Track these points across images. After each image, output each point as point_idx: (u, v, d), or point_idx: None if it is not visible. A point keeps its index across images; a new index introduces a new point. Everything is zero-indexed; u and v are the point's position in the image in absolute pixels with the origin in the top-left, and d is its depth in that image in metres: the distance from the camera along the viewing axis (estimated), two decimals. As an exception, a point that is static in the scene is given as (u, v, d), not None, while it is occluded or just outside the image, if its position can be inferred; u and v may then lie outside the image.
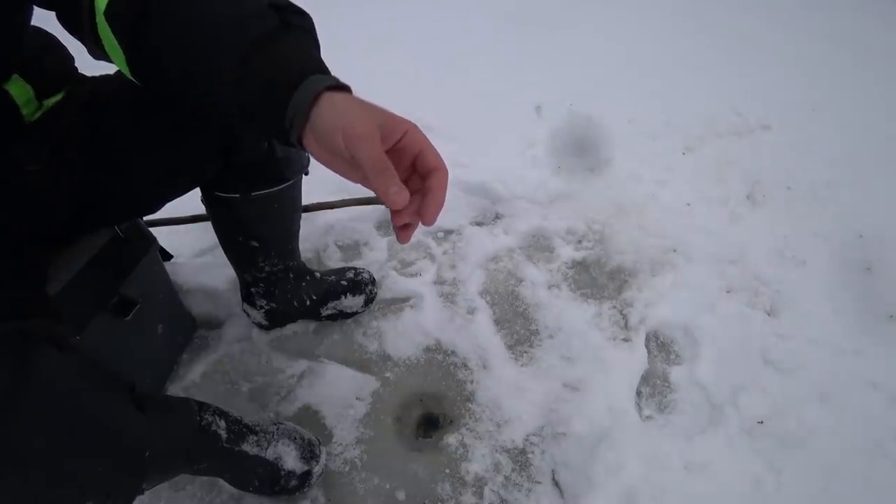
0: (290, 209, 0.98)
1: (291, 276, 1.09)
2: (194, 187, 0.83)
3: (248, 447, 0.85)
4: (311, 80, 0.47)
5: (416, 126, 0.49)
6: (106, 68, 0.75)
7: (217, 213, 0.95)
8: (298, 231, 1.05)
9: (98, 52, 0.58)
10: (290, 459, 0.90)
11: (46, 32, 0.69)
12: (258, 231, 0.96)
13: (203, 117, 0.71)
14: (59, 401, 0.50)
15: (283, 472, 0.89)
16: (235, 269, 1.07)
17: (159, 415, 0.69)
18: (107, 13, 0.52)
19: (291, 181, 0.90)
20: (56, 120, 0.66)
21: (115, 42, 0.54)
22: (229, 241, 1.00)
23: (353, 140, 0.44)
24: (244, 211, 0.90)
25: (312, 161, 0.94)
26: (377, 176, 0.44)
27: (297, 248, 1.08)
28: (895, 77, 2.05)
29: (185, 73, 0.51)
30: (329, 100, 0.46)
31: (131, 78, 0.57)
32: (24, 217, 0.65)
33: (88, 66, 0.74)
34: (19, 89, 0.62)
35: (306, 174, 0.94)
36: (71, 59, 0.72)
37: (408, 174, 0.50)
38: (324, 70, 0.50)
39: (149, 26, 0.51)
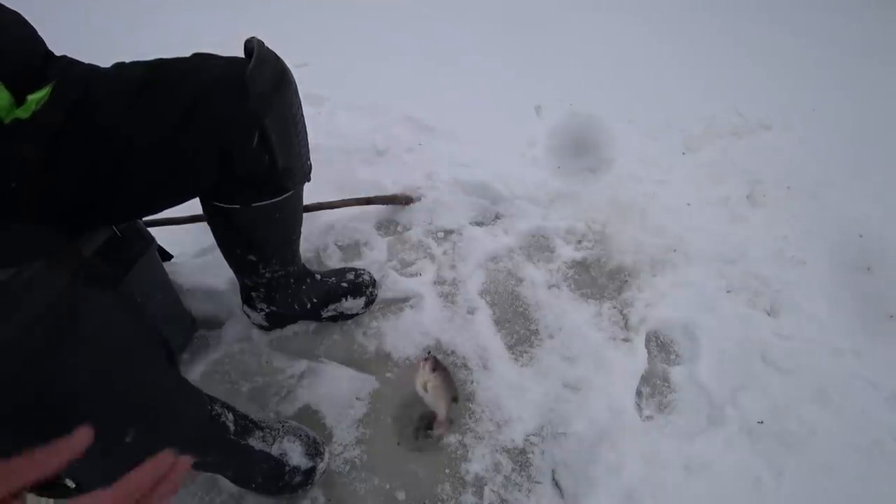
0: (292, 218, 0.97)
1: (292, 280, 1.09)
2: (192, 196, 0.82)
3: (255, 442, 0.85)
4: None
5: None
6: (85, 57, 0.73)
7: (217, 223, 0.94)
8: (300, 237, 1.05)
9: None
10: (296, 455, 0.90)
11: (7, 10, 0.63)
12: (259, 240, 0.95)
13: (201, 120, 0.70)
14: (103, 346, 0.51)
15: (287, 468, 0.89)
16: (236, 274, 1.06)
17: (185, 383, 0.71)
18: None
19: (293, 191, 0.90)
20: (48, 119, 0.64)
21: None
22: (229, 249, 0.99)
23: None
24: (245, 222, 0.89)
25: (313, 165, 0.94)
26: None
27: (298, 252, 1.08)
28: (894, 77, 2.06)
29: None
30: None
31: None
32: (19, 217, 0.65)
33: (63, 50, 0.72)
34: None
35: (308, 181, 0.93)
36: (40, 41, 0.66)
37: None
38: None
39: None
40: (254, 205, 0.86)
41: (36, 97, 0.63)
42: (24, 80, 0.62)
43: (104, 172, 0.68)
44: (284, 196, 0.87)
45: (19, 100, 0.61)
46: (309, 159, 0.90)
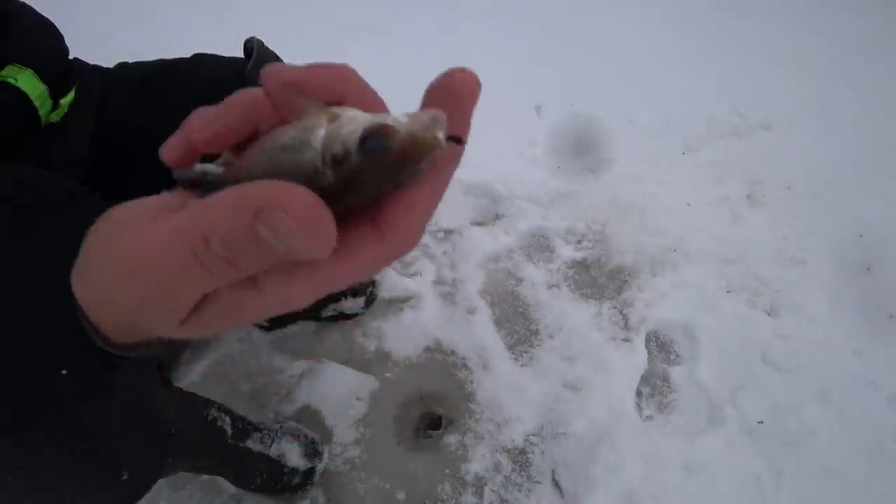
0: None
1: None
2: None
3: (252, 444, 0.86)
4: None
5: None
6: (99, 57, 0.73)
7: None
8: None
9: None
10: (294, 456, 0.91)
11: (41, 16, 0.65)
12: None
13: None
14: None
15: (286, 470, 0.90)
16: None
17: (177, 397, 0.70)
18: None
19: None
20: (78, 123, 0.65)
21: None
22: None
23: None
24: None
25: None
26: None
27: None
28: (894, 76, 2.05)
29: None
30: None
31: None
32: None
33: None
34: (30, 84, 0.59)
35: None
36: (66, 46, 0.68)
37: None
38: None
39: None
40: None
41: (67, 100, 0.64)
42: (57, 85, 0.63)
43: (109, 174, 0.68)
44: None
45: (53, 104, 0.63)
46: None
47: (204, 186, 0.23)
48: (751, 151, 1.67)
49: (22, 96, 0.58)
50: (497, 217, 1.44)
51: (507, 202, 1.45)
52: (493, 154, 1.54)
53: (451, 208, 1.41)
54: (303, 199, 0.17)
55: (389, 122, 0.17)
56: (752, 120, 1.79)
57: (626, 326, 1.21)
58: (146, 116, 0.69)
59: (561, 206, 1.46)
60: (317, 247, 0.17)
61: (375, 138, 0.17)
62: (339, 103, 0.20)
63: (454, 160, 0.21)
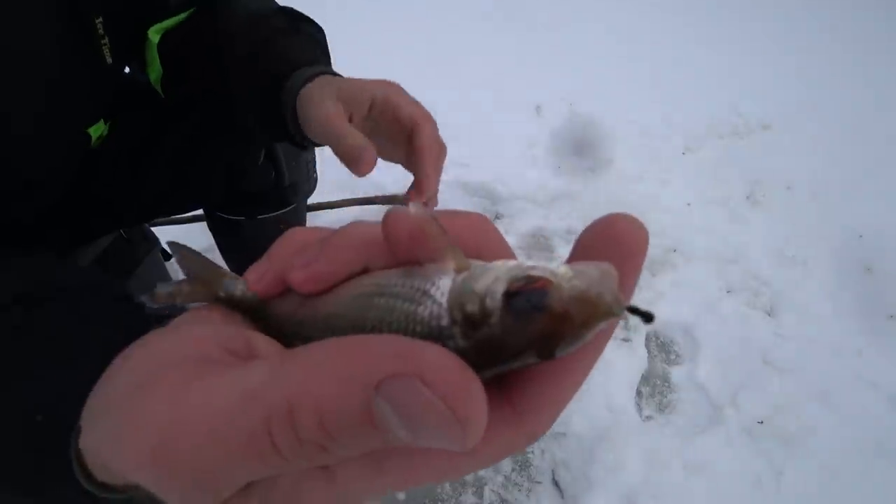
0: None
1: None
2: (197, 209, 0.83)
3: None
4: (298, 73, 0.46)
5: (390, 86, 0.45)
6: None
7: (221, 232, 0.94)
8: None
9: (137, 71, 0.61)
10: None
11: None
12: (263, 250, 0.94)
13: (210, 138, 0.70)
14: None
15: None
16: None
17: None
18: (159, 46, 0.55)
19: (297, 204, 0.89)
20: (114, 146, 0.66)
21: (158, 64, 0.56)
22: (232, 257, 0.99)
23: (319, 125, 0.42)
24: (249, 233, 0.89)
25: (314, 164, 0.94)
26: (332, 139, 0.40)
27: None
28: (895, 76, 2.05)
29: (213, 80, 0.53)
30: (307, 91, 0.45)
31: (159, 90, 0.59)
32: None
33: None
34: (96, 128, 0.60)
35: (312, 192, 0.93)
36: None
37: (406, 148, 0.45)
38: (315, 63, 0.49)
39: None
40: (259, 217, 0.86)
41: (105, 131, 0.64)
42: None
43: (124, 185, 0.69)
44: (289, 209, 0.88)
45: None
46: (315, 172, 0.90)
47: (243, 309, 0.19)
48: (751, 151, 1.67)
49: (89, 140, 0.59)
50: (497, 217, 1.44)
51: (507, 202, 1.45)
52: (494, 154, 1.54)
53: (452, 208, 1.41)
54: (447, 362, 0.12)
55: (545, 274, 0.13)
56: (752, 120, 1.79)
57: (626, 326, 1.21)
58: (152, 122, 0.69)
59: (561, 206, 1.46)
60: (464, 435, 0.12)
61: (530, 295, 0.12)
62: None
63: (611, 331, 0.16)
